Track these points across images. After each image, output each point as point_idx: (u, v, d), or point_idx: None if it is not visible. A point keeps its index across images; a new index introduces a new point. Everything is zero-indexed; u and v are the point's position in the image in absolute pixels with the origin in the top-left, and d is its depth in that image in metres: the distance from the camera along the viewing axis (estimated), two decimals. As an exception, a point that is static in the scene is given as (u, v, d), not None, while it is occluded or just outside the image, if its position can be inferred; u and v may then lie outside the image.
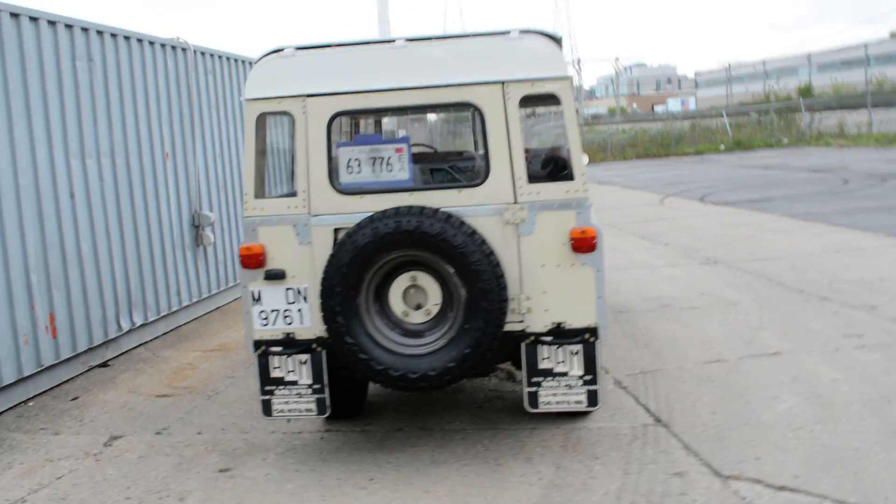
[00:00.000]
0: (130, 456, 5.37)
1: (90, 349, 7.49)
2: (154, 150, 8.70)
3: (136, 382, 7.06)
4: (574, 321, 4.67)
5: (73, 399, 6.69)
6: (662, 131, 38.69)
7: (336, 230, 4.74)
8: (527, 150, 4.80)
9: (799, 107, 38.42)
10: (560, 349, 4.69)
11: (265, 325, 4.86)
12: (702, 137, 38.04)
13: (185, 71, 9.44)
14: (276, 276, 4.80)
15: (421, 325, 4.70)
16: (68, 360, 7.18)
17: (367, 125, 6.33)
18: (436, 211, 4.49)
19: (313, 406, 4.89)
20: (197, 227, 9.41)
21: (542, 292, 4.67)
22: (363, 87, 4.69)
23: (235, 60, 10.75)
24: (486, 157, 4.68)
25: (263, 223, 4.82)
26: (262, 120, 4.85)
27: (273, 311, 4.84)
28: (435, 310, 4.66)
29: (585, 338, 4.66)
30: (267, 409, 4.92)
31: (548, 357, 4.70)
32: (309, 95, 4.73)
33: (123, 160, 8.14)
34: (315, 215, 4.77)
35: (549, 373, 4.71)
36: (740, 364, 6.59)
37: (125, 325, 7.99)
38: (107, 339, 7.72)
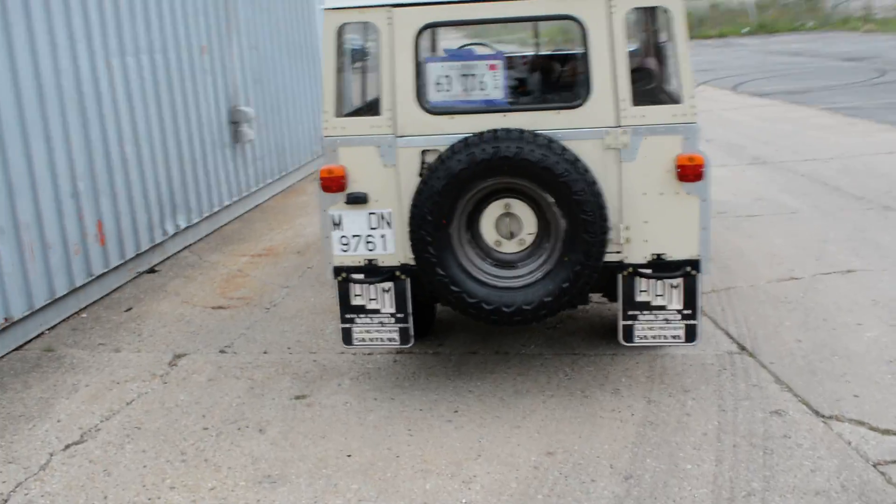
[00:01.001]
0: (199, 378, 5.21)
1: (137, 255, 7.27)
2: (191, 45, 8.27)
3: (189, 291, 6.87)
4: (675, 252, 4.41)
5: (126, 310, 6.51)
6: (684, 12, 37.47)
7: (424, 152, 4.43)
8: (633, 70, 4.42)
9: (825, -13, 37.15)
10: (659, 281, 4.45)
11: (346, 251, 4.60)
12: (723, 19, 36.89)
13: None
14: (358, 199, 4.51)
15: (514, 254, 4.44)
16: (116, 268, 6.97)
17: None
18: (536, 135, 4.17)
19: (396, 336, 4.68)
20: (235, 123, 9.05)
21: (642, 222, 4.40)
22: None
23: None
24: (587, 76, 4.32)
25: (345, 143, 4.50)
26: (342, 31, 4.47)
27: (355, 236, 4.57)
28: (529, 239, 4.40)
29: (687, 270, 4.42)
30: (347, 337, 4.72)
31: (646, 289, 4.47)
32: (395, 5, 4.34)
33: (162, 57, 7.73)
34: (401, 136, 4.44)
35: (646, 306, 4.48)
36: (815, 283, 6.37)
37: (170, 230, 7.75)
38: (153, 243, 7.50)
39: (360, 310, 4.67)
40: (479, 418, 4.55)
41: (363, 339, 4.72)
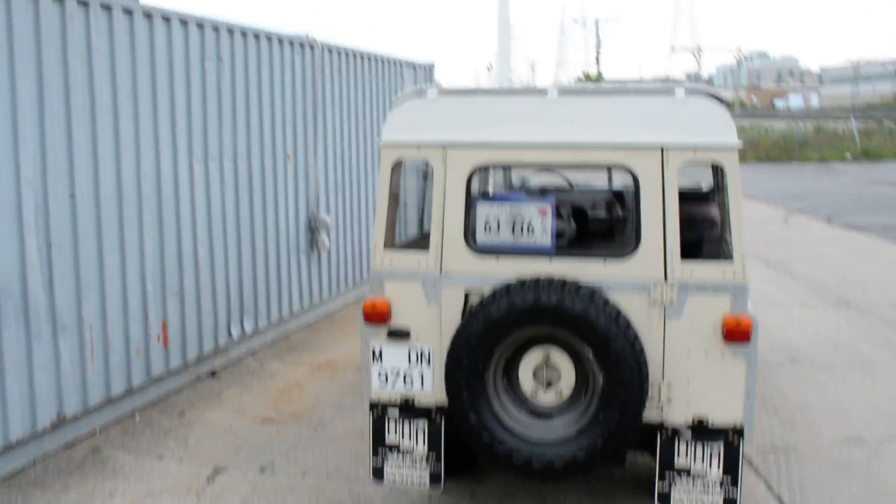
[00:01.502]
0: (232, 498, 5.18)
1: (200, 358, 7.38)
2: (276, 152, 8.53)
3: (243, 401, 6.91)
4: (718, 418, 4.24)
5: (179, 416, 6.57)
6: (786, 134, 37.11)
7: (467, 293, 4.41)
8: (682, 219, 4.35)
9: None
10: (700, 446, 4.26)
11: (384, 385, 4.57)
12: (826, 143, 36.37)
13: (311, 69, 9.21)
14: (399, 334, 4.50)
15: (550, 406, 4.34)
16: (177, 369, 7.08)
17: (506, 177, 5.94)
18: (579, 287, 4.10)
19: (426, 478, 4.59)
20: (313, 230, 9.23)
21: (685, 382, 4.25)
22: (509, 139, 4.33)
23: (363, 57, 10.49)
24: (637, 227, 4.26)
25: (391, 277, 4.51)
26: (398, 166, 4.54)
27: (393, 371, 4.55)
28: (567, 391, 4.29)
29: (729, 438, 4.23)
30: (378, 474, 4.65)
31: (685, 454, 4.29)
32: (450, 144, 4.39)
33: (245, 163, 7.98)
34: (446, 275, 4.44)
35: (685, 471, 4.29)
36: (883, 449, 6.02)
37: (235, 334, 7.86)
38: (216, 347, 7.61)
39: (394, 447, 4.61)
40: (505, 572, 4.38)
41: (393, 478, 4.63)
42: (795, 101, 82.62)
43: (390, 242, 4.58)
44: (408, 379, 4.52)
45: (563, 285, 4.10)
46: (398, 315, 4.51)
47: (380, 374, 4.57)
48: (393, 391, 4.56)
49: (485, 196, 4.51)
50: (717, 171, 5.24)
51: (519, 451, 4.23)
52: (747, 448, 4.29)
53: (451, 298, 4.42)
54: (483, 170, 4.51)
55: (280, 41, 8.57)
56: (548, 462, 4.19)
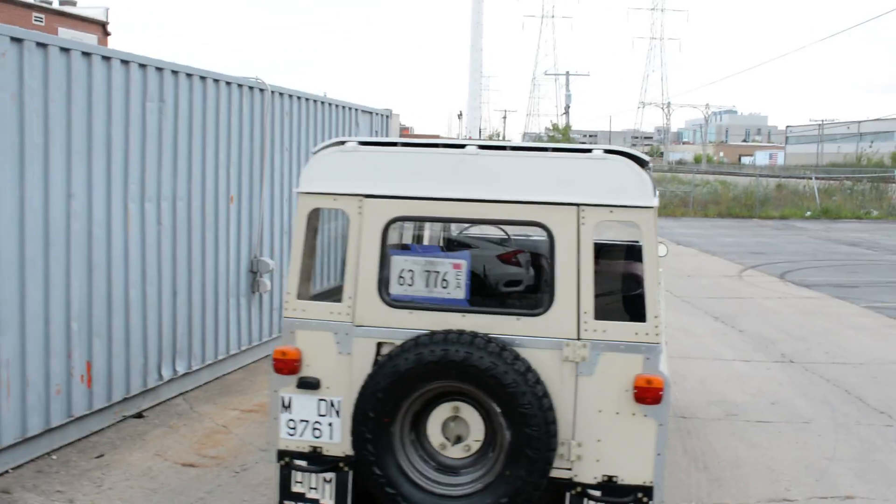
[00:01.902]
0: (140, 545, 5.05)
1: (126, 399, 7.25)
2: (219, 194, 8.48)
3: (166, 444, 6.78)
4: (627, 476, 4.21)
5: (97, 457, 6.44)
6: (747, 190, 37.59)
7: (379, 344, 4.37)
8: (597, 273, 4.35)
9: (893, 177, 37.05)
10: None
11: (292, 435, 4.50)
12: (788, 201, 36.90)
13: (260, 112, 9.21)
14: (309, 384, 4.44)
15: (458, 460, 4.29)
16: (101, 410, 6.94)
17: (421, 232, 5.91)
18: (488, 342, 4.08)
19: (333, 530, 4.51)
20: (255, 272, 9.16)
21: (595, 440, 4.22)
22: (426, 193, 4.32)
23: (315, 102, 10.52)
24: (551, 284, 4.25)
25: (303, 326, 4.47)
26: (314, 215, 4.51)
27: (302, 421, 4.48)
28: (476, 446, 4.25)
29: (638, 497, 4.20)
30: (283, 525, 4.56)
31: (594, 512, 4.24)
32: (367, 196, 4.38)
33: (185, 204, 7.92)
34: (359, 325, 4.40)
35: (593, 530, 4.25)
36: (808, 508, 6.01)
37: (166, 375, 7.74)
38: (145, 388, 7.48)
39: (300, 497, 4.53)
40: None
41: (299, 528, 4.55)
42: (762, 158, 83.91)
43: (304, 291, 4.54)
44: (317, 429, 4.45)
45: (471, 339, 4.08)
46: (309, 365, 4.46)
47: (289, 423, 4.50)
48: (301, 440, 4.49)
49: (400, 248, 4.49)
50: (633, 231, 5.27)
51: (423, 504, 4.17)
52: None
53: (362, 349, 4.38)
54: (398, 223, 4.48)
55: (228, 84, 8.57)
56: (453, 518, 4.13)
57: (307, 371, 4.47)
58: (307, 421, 4.47)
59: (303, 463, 4.49)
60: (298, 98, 10.10)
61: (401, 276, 4.40)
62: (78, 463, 6.30)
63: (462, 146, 4.37)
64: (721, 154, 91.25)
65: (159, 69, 7.45)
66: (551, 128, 72.77)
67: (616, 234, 7.58)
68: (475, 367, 4.03)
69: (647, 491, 4.19)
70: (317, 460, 4.47)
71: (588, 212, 4.18)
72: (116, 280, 7.02)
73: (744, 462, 6.91)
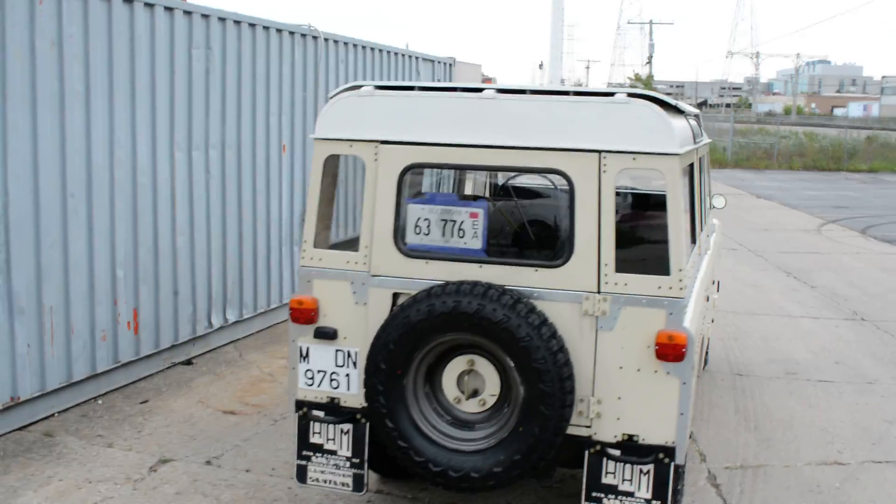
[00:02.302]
0: (168, 490, 5.11)
1: (175, 346, 7.34)
2: (270, 143, 8.45)
3: (210, 391, 6.84)
4: (648, 436, 4.03)
5: (142, 402, 6.53)
6: (835, 142, 36.11)
7: (396, 294, 4.26)
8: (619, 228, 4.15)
9: None
10: (628, 465, 4.06)
11: (310, 385, 4.45)
12: (878, 154, 35.34)
13: (314, 60, 9.12)
14: (326, 334, 4.37)
15: (473, 415, 4.18)
16: (148, 356, 7.04)
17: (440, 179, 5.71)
18: (502, 294, 3.93)
19: (349, 481, 4.46)
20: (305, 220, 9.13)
21: (615, 398, 4.05)
22: (443, 139, 4.16)
23: (371, 49, 10.38)
24: (570, 234, 4.07)
25: (320, 275, 4.39)
26: (330, 162, 4.40)
27: (320, 371, 4.42)
28: (491, 401, 4.12)
29: (659, 457, 4.02)
30: (301, 475, 4.53)
31: (613, 472, 4.09)
32: (383, 142, 4.24)
33: (234, 153, 7.91)
34: (375, 275, 4.30)
35: (612, 490, 4.10)
36: (860, 472, 5.74)
37: (216, 322, 7.81)
38: (194, 335, 7.56)
39: (318, 448, 4.49)
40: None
41: (317, 479, 4.52)
42: (855, 110, 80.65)
43: (321, 240, 4.46)
44: (334, 380, 4.39)
45: (485, 291, 3.93)
46: (326, 315, 4.39)
47: (307, 374, 4.45)
48: (319, 391, 4.44)
49: (416, 196, 4.36)
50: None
51: (436, 459, 4.08)
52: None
53: (379, 300, 4.28)
54: (418, 169, 4.33)
55: (279, 31, 8.49)
56: (465, 473, 4.04)
57: (324, 321, 4.39)
58: (325, 371, 4.41)
59: (320, 414, 4.44)
60: (354, 46, 9.97)
61: (417, 226, 4.27)
62: (122, 408, 6.41)
63: (480, 90, 4.18)
64: (813, 105, 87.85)
65: (205, 16, 7.40)
66: (633, 78, 71.04)
67: (644, 183, 7.30)
68: (488, 320, 3.89)
69: (669, 451, 4.01)
70: (334, 411, 4.41)
71: (609, 159, 3.97)
72: (163, 228, 7.06)
73: (798, 423, 6.64)
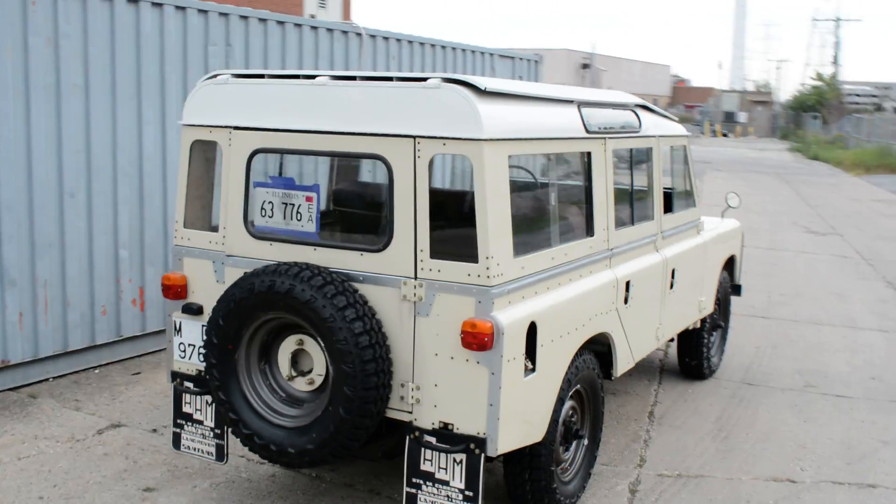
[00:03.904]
0: (100, 450, 5.51)
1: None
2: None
3: (201, 367, 7.25)
4: (462, 425, 4.00)
5: (134, 374, 7.03)
6: None
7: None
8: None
9: None
10: (443, 454, 4.04)
11: (182, 357, 4.71)
12: None
13: (357, 57, 9.39)
14: (192, 310, 4.61)
15: (304, 393, 4.29)
16: (158, 332, 7.52)
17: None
18: (313, 275, 4.02)
19: (213, 450, 4.69)
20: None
21: (433, 384, 4.05)
22: (284, 125, 4.30)
23: (431, 46, 10.54)
24: (391, 220, 4.10)
25: (188, 254, 4.64)
26: (196, 147, 4.63)
27: (190, 344, 4.67)
28: (319, 380, 4.22)
29: (470, 447, 3.98)
30: (176, 442, 4.80)
31: (430, 459, 4.08)
32: (235, 128, 4.43)
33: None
34: (229, 255, 4.50)
35: (430, 477, 4.09)
36: (807, 492, 5.37)
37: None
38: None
39: (189, 417, 4.73)
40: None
41: (188, 447, 4.77)
42: None
43: (191, 221, 4.69)
44: (202, 353, 4.62)
45: (298, 272, 4.04)
46: (194, 291, 4.63)
47: (180, 347, 4.70)
48: (190, 364, 4.68)
49: (260, 181, 4.49)
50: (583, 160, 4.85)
51: (261, 433, 4.22)
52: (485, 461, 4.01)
53: (234, 278, 4.46)
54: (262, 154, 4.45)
55: (313, 28, 8.81)
56: (284, 448, 4.16)
57: (192, 297, 4.64)
58: (194, 345, 4.65)
59: (190, 385, 4.69)
60: (409, 42, 10.17)
61: (262, 208, 4.43)
62: (114, 378, 6.93)
63: (314, 76, 4.28)
64: None
65: (224, 14, 7.83)
66: (814, 77, 66.88)
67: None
68: (297, 300, 3.99)
69: (480, 442, 3.96)
70: (201, 383, 4.64)
71: (423, 144, 3.96)
72: (172, 212, 7.54)
73: (777, 436, 6.24)
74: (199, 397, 4.69)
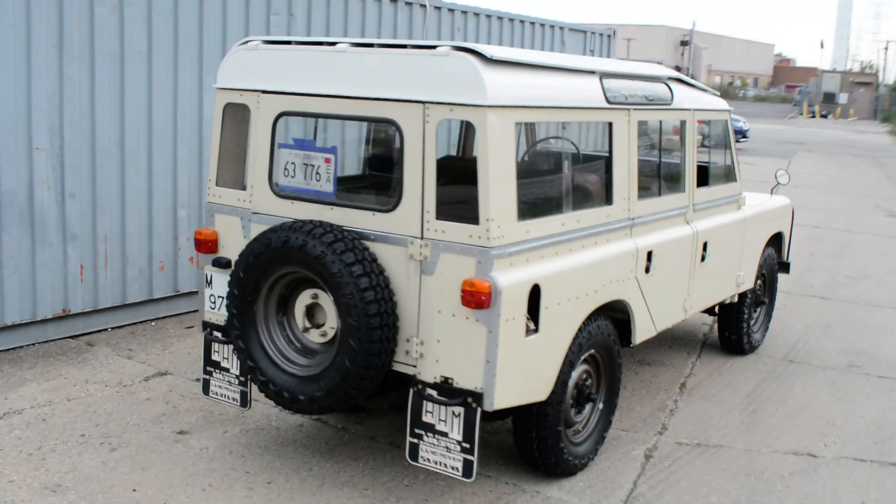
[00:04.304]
0: (143, 395, 5.88)
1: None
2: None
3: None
4: (462, 380, 4.17)
5: (188, 327, 7.40)
6: None
7: None
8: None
9: None
10: (443, 406, 4.23)
11: (213, 308, 4.99)
12: None
13: (422, 28, 9.55)
14: (222, 264, 4.89)
15: (318, 344, 4.52)
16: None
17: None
18: (325, 232, 4.23)
19: (238, 397, 4.97)
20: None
21: (436, 340, 4.23)
22: (303, 89, 4.53)
23: (499, 18, 10.64)
24: (400, 182, 4.28)
25: (219, 211, 4.91)
26: (228, 109, 4.88)
27: (220, 297, 4.94)
28: (331, 333, 4.44)
29: (468, 401, 4.15)
30: (206, 388, 5.10)
31: (431, 411, 4.27)
32: (263, 91, 4.67)
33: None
34: (255, 213, 4.75)
35: (431, 428, 4.28)
36: (826, 467, 5.37)
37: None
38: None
39: (217, 365, 5.02)
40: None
41: (216, 393, 5.06)
42: None
43: (224, 180, 4.95)
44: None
45: (311, 229, 4.25)
46: (224, 246, 4.90)
47: (210, 298, 4.99)
48: (219, 314, 4.96)
49: (284, 142, 4.71)
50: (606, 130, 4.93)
51: (275, 381, 4.47)
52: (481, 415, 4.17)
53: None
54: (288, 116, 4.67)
55: (377, 0, 9.00)
56: (295, 395, 4.41)
57: (222, 251, 4.92)
58: (223, 297, 4.93)
59: (219, 335, 4.98)
60: (476, 14, 10.28)
61: (286, 169, 4.65)
62: (168, 330, 7.32)
63: (334, 43, 4.47)
64: None
65: (292, -15, 8.09)
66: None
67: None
68: (309, 255, 4.21)
69: (477, 397, 4.12)
70: (228, 332, 4.91)
71: (432, 109, 4.12)
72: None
73: (808, 412, 6.23)
74: (226, 346, 4.97)
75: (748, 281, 6.91)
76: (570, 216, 4.64)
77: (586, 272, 4.69)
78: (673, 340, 7.70)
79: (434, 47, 4.16)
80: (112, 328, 7.23)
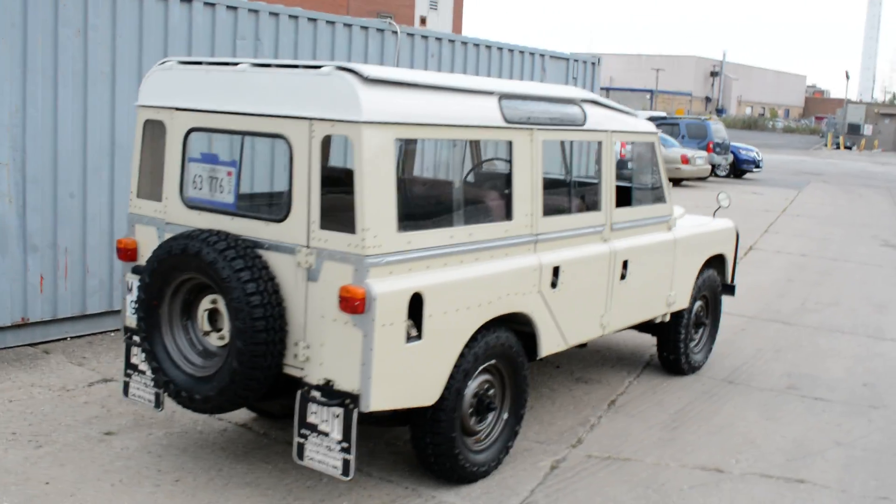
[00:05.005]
0: (82, 399, 6.16)
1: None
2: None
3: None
4: (342, 382, 4.40)
5: (145, 337, 7.69)
6: None
7: None
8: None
9: None
10: (325, 407, 4.45)
11: (133, 313, 5.27)
12: None
13: (394, 55, 9.86)
14: (140, 272, 5.16)
15: (218, 348, 4.77)
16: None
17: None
18: (218, 240, 4.50)
19: (152, 398, 5.23)
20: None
21: (320, 344, 4.47)
22: (211, 107, 4.83)
23: (475, 45, 10.91)
24: (289, 194, 4.54)
25: (139, 221, 5.21)
26: (147, 125, 5.18)
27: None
28: (228, 336, 4.69)
29: (346, 403, 4.37)
30: (126, 390, 5.37)
31: (315, 412, 4.50)
32: (176, 108, 4.97)
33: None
34: (168, 223, 5.03)
35: (314, 428, 4.51)
36: (729, 482, 5.51)
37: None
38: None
39: (135, 368, 5.29)
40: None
41: (134, 394, 5.33)
42: None
43: (143, 192, 5.25)
44: None
45: (206, 237, 4.52)
46: (143, 255, 5.20)
47: (132, 304, 5.27)
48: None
49: (193, 156, 5.00)
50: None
51: (176, 381, 4.74)
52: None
53: None
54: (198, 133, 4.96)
55: (346, 25, 9.32)
56: (192, 395, 4.66)
57: (141, 260, 5.20)
58: None
59: (136, 339, 5.25)
60: (451, 41, 10.58)
61: (194, 181, 4.94)
62: (125, 340, 7.61)
63: (237, 63, 4.76)
64: None
65: (253, 10, 8.42)
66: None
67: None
68: (203, 261, 4.48)
69: (355, 399, 4.34)
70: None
71: (316, 125, 4.39)
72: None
73: (728, 431, 6.36)
74: (141, 350, 5.23)
75: (681, 301, 7.06)
76: (461, 230, 4.86)
77: (478, 284, 4.90)
78: (616, 360, 7.86)
79: (321, 67, 4.43)
80: (71, 338, 7.54)
